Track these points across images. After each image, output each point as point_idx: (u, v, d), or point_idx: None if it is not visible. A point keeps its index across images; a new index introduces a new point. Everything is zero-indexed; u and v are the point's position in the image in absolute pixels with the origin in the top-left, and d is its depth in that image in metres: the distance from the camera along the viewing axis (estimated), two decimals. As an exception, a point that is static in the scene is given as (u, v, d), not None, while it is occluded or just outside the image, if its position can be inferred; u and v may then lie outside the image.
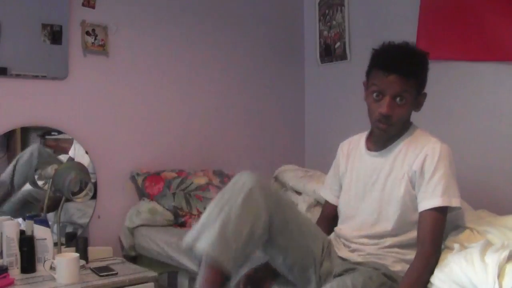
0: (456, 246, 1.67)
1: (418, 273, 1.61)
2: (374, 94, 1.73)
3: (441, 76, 2.71)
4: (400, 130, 1.78)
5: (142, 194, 2.78)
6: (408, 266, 1.67)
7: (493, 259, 1.50)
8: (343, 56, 3.20)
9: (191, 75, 3.05)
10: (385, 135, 1.78)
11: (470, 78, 2.60)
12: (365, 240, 1.77)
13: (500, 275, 1.46)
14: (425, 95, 1.79)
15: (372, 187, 1.79)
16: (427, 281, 1.61)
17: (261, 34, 3.31)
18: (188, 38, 3.02)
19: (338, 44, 3.23)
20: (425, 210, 1.66)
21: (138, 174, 2.78)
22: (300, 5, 3.47)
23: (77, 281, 2.07)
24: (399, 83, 1.69)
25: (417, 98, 1.76)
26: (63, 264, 2.06)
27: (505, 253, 1.50)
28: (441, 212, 1.67)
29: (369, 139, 1.88)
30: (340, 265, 1.74)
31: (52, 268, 2.09)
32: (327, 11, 3.30)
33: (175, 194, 2.69)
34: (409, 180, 1.71)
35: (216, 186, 2.76)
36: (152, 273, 2.25)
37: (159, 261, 2.48)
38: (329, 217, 2.00)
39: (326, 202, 2.03)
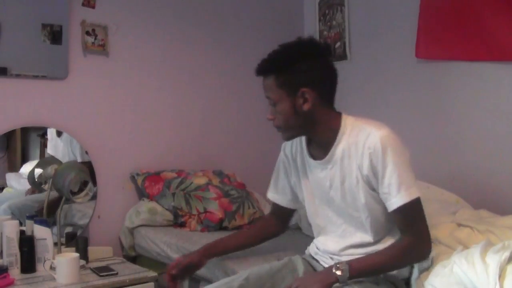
0: (458, 247, 1.67)
1: (386, 258, 1.59)
2: None
3: (441, 76, 2.71)
4: (313, 130, 1.66)
5: (142, 194, 2.78)
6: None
7: (494, 259, 1.49)
8: (343, 56, 3.20)
9: (191, 75, 3.04)
10: (306, 139, 1.73)
11: (470, 78, 2.60)
12: (352, 251, 1.70)
13: (501, 276, 1.46)
14: (305, 93, 1.60)
15: (328, 194, 1.70)
16: (395, 268, 1.62)
17: (261, 34, 3.30)
18: (188, 38, 3.02)
19: (338, 44, 3.23)
20: (393, 210, 1.59)
21: (138, 174, 2.78)
22: (300, 5, 3.47)
23: (77, 281, 2.07)
24: (264, 84, 1.64)
25: (293, 96, 1.61)
26: (63, 264, 2.06)
27: (506, 254, 1.50)
28: (409, 206, 1.57)
29: (309, 143, 1.76)
30: None
31: (52, 268, 2.09)
32: (327, 11, 3.30)
33: (175, 194, 2.69)
34: (366, 184, 1.62)
35: (216, 186, 2.76)
36: (152, 273, 2.25)
37: (159, 261, 2.48)
38: (281, 217, 1.98)
39: (276, 204, 1.97)
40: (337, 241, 1.73)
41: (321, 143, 1.68)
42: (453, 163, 2.66)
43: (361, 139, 1.61)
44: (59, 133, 2.62)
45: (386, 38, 2.96)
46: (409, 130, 2.82)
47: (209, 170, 2.92)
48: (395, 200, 1.56)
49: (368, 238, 1.66)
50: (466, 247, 1.69)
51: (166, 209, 2.67)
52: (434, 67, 2.74)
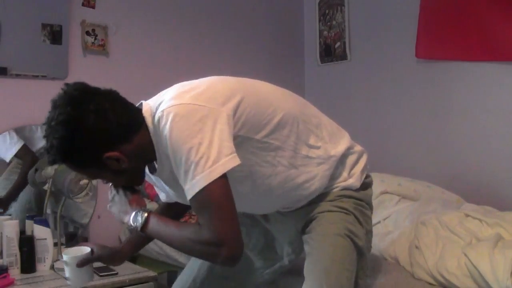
0: (468, 237, 1.67)
1: (177, 232, 1.27)
2: None
3: (441, 76, 2.72)
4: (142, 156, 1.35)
5: (142, 194, 2.77)
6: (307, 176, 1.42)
7: (505, 255, 1.50)
8: (343, 56, 3.20)
9: (191, 75, 3.03)
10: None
11: (470, 78, 2.60)
12: None
13: (512, 271, 1.47)
14: (109, 159, 1.28)
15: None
16: (182, 250, 1.35)
17: (261, 34, 3.30)
18: (188, 38, 3.02)
19: (338, 44, 3.23)
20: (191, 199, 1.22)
21: (138, 174, 2.77)
22: (300, 5, 3.47)
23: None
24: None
25: (103, 166, 1.29)
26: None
27: (518, 250, 1.51)
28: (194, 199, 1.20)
29: None
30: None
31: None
32: (327, 11, 3.30)
33: (175, 194, 2.69)
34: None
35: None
36: (152, 273, 2.25)
37: (159, 260, 2.48)
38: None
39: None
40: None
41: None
42: (453, 163, 2.66)
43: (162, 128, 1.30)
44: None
45: (386, 38, 2.96)
46: (409, 130, 2.82)
47: (209, 170, 2.91)
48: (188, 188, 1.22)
49: None
50: (476, 237, 1.69)
51: (166, 209, 2.67)
52: (434, 67, 2.74)
